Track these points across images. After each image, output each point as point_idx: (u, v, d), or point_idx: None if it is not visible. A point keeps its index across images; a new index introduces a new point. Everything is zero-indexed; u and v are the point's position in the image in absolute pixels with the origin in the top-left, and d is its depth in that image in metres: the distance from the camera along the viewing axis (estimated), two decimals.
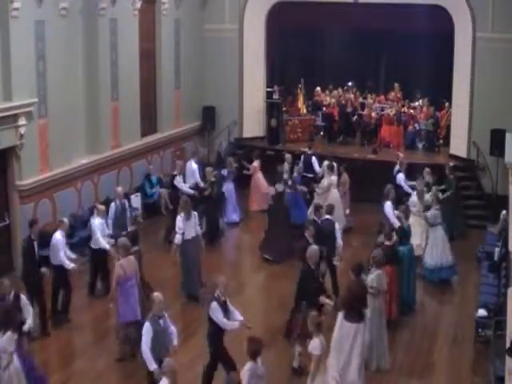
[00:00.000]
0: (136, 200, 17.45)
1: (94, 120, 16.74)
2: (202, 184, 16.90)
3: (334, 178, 16.74)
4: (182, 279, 13.56)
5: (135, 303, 11.09)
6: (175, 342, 9.47)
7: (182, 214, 13.33)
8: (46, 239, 14.60)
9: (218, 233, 16.69)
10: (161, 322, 9.29)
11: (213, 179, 16.55)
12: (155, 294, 9.46)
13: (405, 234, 13.26)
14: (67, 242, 12.73)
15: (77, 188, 16.05)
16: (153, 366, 8.94)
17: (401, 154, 17.81)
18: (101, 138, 16.91)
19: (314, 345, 8.96)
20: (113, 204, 14.35)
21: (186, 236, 13.27)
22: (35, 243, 11.99)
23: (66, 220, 12.76)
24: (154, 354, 9.05)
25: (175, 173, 16.74)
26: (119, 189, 14.93)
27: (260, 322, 12.42)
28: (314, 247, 11.23)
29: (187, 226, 13.29)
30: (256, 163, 18.62)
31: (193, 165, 17.42)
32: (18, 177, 14.27)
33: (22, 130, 14.14)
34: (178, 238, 13.25)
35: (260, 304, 13.86)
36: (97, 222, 13.24)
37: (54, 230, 12.56)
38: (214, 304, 9.68)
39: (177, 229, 13.31)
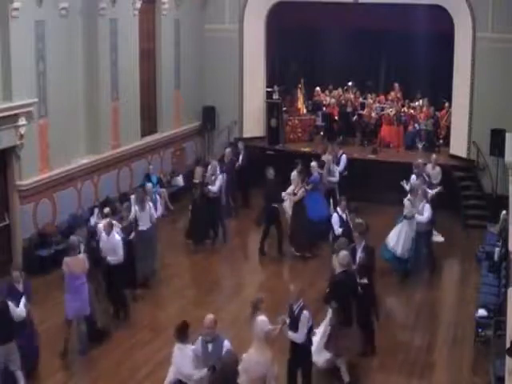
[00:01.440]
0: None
1: (94, 120, 16.74)
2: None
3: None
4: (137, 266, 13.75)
5: (82, 303, 11.22)
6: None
7: (136, 207, 13.83)
8: (46, 239, 14.71)
9: (206, 234, 16.41)
10: (209, 346, 8.61)
11: (197, 180, 16.44)
12: (208, 315, 8.76)
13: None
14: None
15: (77, 188, 16.05)
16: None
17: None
18: (101, 138, 16.91)
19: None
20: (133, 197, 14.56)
21: (141, 227, 13.77)
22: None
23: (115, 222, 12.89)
24: None
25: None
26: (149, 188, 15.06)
27: None
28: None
29: (142, 217, 13.79)
30: None
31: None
32: (17, 177, 14.28)
33: (22, 130, 14.15)
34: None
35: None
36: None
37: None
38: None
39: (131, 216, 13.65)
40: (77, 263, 11.21)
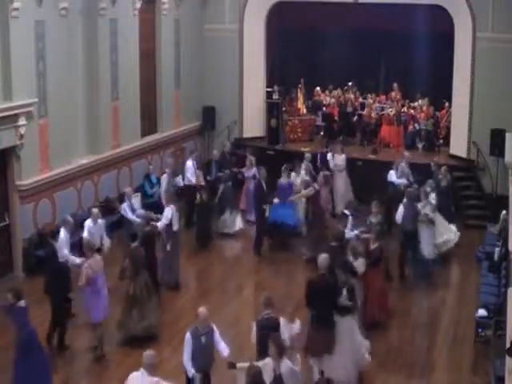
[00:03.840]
0: (136, 200, 17.42)
1: (94, 120, 16.74)
2: (193, 181, 16.93)
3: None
4: (162, 270, 13.70)
5: (103, 303, 11.27)
6: (225, 353, 9.10)
7: (171, 206, 13.82)
8: (46, 239, 14.66)
9: (210, 237, 16.44)
10: (202, 338, 8.90)
11: (202, 183, 16.38)
12: (200, 309, 9.08)
13: None
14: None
15: (77, 188, 16.05)
16: (191, 372, 8.84)
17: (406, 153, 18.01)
18: (101, 138, 16.91)
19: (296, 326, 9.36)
20: (125, 204, 14.52)
21: (173, 227, 13.81)
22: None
23: (70, 219, 12.83)
24: (195, 365, 8.89)
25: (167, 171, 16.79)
26: (128, 189, 15.10)
27: None
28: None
29: (175, 217, 13.85)
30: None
31: (188, 163, 17.49)
32: (17, 177, 14.27)
33: (22, 130, 14.14)
34: (161, 226, 13.57)
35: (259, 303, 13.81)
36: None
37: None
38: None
39: (164, 219, 13.60)
40: (97, 263, 11.21)
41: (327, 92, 22.77)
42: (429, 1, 19.29)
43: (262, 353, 8.82)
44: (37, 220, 14.71)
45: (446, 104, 20.61)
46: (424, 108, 21.12)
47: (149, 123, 19.32)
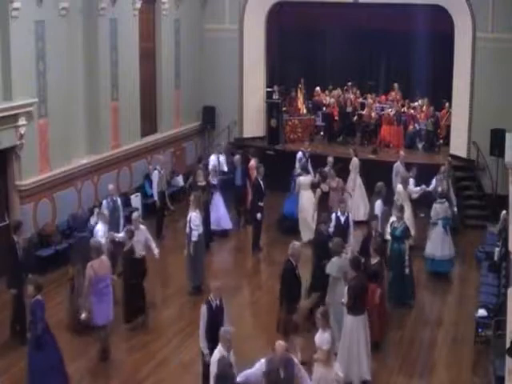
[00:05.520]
0: (136, 200, 17.45)
1: (94, 120, 16.74)
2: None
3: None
4: (189, 272, 13.67)
5: (108, 305, 11.17)
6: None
7: (197, 210, 13.59)
8: (46, 239, 14.70)
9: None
10: (281, 371, 8.21)
11: (203, 183, 16.40)
12: (277, 343, 8.40)
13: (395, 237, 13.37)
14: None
15: (77, 188, 16.05)
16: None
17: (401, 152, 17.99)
18: (101, 138, 16.91)
19: (325, 338, 9.09)
20: (104, 201, 14.40)
21: (199, 230, 13.61)
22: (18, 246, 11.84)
23: (105, 211, 13.22)
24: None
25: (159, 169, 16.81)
26: (111, 186, 14.84)
27: (260, 321, 12.46)
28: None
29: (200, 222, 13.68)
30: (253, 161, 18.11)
31: (211, 158, 17.77)
32: (17, 177, 14.29)
33: (22, 130, 14.15)
34: (194, 235, 13.38)
35: (259, 304, 13.82)
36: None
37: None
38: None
39: (193, 225, 13.37)
40: (101, 265, 11.10)
41: (327, 92, 22.76)
42: (429, 1, 19.27)
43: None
44: (37, 220, 14.71)
45: (446, 104, 20.60)
46: (424, 108, 21.11)
47: (149, 123, 19.32)
